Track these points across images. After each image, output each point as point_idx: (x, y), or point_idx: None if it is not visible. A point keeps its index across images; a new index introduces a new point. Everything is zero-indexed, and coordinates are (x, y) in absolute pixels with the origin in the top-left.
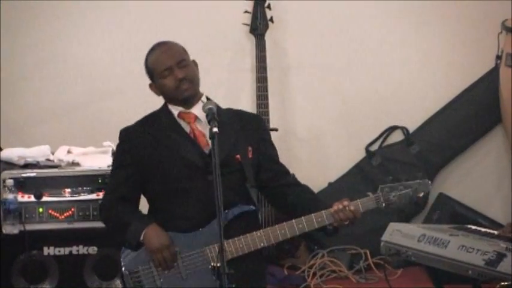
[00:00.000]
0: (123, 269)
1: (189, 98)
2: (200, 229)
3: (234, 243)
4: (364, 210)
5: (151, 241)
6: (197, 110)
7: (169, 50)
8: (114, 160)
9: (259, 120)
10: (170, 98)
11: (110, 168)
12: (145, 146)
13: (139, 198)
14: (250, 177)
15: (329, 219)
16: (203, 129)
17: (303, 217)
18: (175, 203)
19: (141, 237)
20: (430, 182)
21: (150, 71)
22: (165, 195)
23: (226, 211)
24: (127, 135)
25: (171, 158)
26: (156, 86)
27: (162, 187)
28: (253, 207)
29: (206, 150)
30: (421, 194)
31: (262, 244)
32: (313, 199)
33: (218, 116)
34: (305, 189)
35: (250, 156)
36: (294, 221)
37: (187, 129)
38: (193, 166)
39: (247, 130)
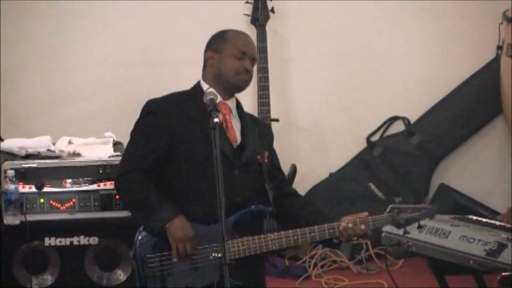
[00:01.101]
0: (137, 251)
1: (240, 88)
2: (216, 224)
3: (248, 243)
4: (374, 228)
5: (176, 231)
6: (231, 103)
7: (252, 42)
8: (139, 130)
9: (270, 129)
10: (220, 77)
11: (111, 158)
12: (178, 122)
13: (158, 172)
14: (267, 180)
15: (340, 234)
16: (234, 124)
17: (315, 226)
18: (195, 189)
19: (167, 226)
20: (436, 208)
21: (224, 42)
22: (187, 179)
23: (245, 210)
24: (158, 107)
25: (201, 141)
26: (217, 59)
27: (186, 169)
28: (271, 209)
29: (234, 145)
30: (427, 219)
31: (274, 247)
32: (317, 212)
33: (244, 116)
34: (308, 201)
35: (266, 160)
36: (307, 229)
37: (220, 118)
38: (223, 156)
39: (262, 136)
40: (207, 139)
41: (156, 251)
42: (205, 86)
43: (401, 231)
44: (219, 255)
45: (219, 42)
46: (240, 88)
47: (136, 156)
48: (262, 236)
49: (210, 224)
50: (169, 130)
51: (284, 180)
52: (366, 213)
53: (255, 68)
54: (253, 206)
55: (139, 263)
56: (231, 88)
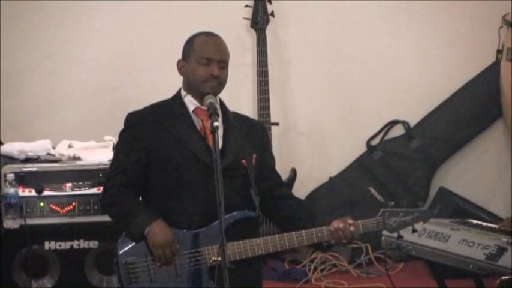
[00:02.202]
0: (118, 257)
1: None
2: (200, 229)
3: (233, 247)
4: (364, 232)
5: (155, 236)
6: None
7: (219, 45)
8: (119, 145)
9: (263, 128)
10: (191, 84)
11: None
12: (155, 134)
13: (142, 186)
14: (253, 184)
15: (328, 237)
16: None
17: (303, 231)
18: (179, 198)
19: (146, 231)
20: (431, 212)
21: (191, 50)
22: (169, 189)
23: (229, 214)
24: (136, 120)
25: (180, 151)
26: (186, 67)
27: (167, 179)
28: (256, 214)
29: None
30: (421, 223)
31: (260, 252)
32: (309, 215)
33: (227, 118)
34: (300, 203)
35: (253, 163)
36: (294, 233)
37: (198, 125)
38: (202, 163)
39: (252, 137)
40: (183, 147)
41: (136, 257)
42: (183, 93)
43: (396, 235)
44: (219, 258)
45: (187, 50)
46: (209, 94)
47: (117, 172)
48: (247, 240)
49: (194, 230)
50: (145, 142)
51: (278, 183)
52: (350, 219)
53: (254, 72)
54: (236, 212)
55: (120, 269)
56: (202, 95)
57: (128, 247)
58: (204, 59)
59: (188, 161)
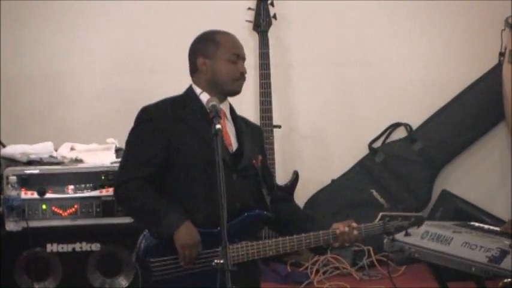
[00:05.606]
0: (141, 254)
1: (236, 93)
2: (218, 228)
3: (247, 248)
4: (366, 235)
5: (184, 236)
6: (225, 107)
7: (241, 43)
8: (138, 137)
9: (261, 130)
10: (216, 83)
11: (113, 165)
12: (176, 128)
13: (159, 180)
14: (264, 184)
15: (334, 240)
16: (229, 129)
17: (311, 233)
18: (195, 195)
19: (174, 232)
20: (425, 217)
21: (216, 47)
22: (187, 186)
23: (246, 214)
24: (156, 113)
25: (200, 148)
26: (210, 64)
27: (185, 175)
28: (270, 215)
29: (230, 149)
30: (415, 228)
31: (271, 253)
32: (307, 218)
33: (237, 120)
34: (297, 206)
35: (259, 164)
36: (303, 235)
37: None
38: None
39: (255, 139)
40: (204, 144)
41: (158, 255)
42: (198, 90)
43: (404, 238)
44: (221, 261)
45: (210, 47)
46: (237, 93)
47: (136, 165)
48: (260, 241)
49: (210, 229)
50: (166, 136)
51: (273, 185)
52: (353, 222)
53: (256, 74)
54: (252, 212)
55: (142, 266)
56: (226, 93)
57: (150, 245)
58: (234, 55)
59: (208, 158)
